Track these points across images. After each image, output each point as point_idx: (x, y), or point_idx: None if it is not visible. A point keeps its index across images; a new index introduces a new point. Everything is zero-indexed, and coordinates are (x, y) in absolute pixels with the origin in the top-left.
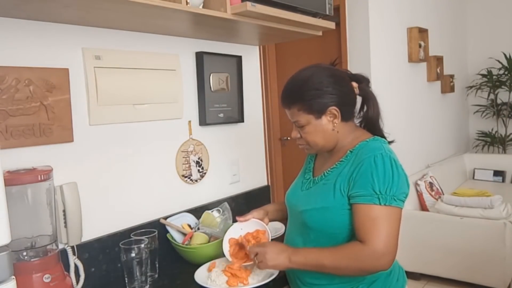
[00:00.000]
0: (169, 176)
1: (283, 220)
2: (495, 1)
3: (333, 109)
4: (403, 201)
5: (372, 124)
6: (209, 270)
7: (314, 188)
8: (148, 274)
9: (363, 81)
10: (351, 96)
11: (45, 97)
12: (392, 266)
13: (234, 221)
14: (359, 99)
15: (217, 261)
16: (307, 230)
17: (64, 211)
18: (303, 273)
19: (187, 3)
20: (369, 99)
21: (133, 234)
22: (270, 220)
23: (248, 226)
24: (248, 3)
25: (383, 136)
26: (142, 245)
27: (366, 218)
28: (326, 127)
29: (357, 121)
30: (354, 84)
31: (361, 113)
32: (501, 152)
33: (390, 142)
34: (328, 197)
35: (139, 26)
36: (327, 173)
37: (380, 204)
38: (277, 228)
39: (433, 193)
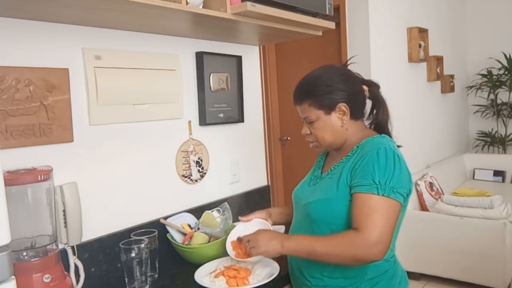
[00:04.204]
0: (169, 176)
1: (286, 224)
2: (495, 1)
3: (343, 106)
4: (403, 196)
5: (381, 128)
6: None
7: (320, 182)
8: (148, 274)
9: (373, 85)
10: (361, 95)
11: (45, 97)
12: (395, 268)
13: (234, 221)
14: (369, 103)
15: (217, 261)
16: (311, 223)
17: (64, 211)
18: (309, 268)
19: (187, 3)
20: (379, 103)
21: (133, 234)
22: (273, 223)
23: (251, 226)
24: (248, 3)
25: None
26: (142, 245)
27: (363, 207)
28: (335, 123)
29: (367, 122)
30: (365, 87)
31: (371, 116)
32: (501, 152)
33: (398, 147)
34: (332, 189)
35: (139, 26)
36: (333, 168)
37: (378, 194)
38: (277, 228)
39: (433, 193)
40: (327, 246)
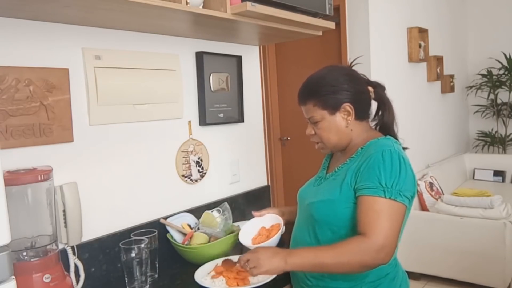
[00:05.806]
0: (169, 176)
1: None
2: (495, 1)
3: (347, 106)
4: (409, 199)
5: (387, 129)
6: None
7: (324, 183)
8: (148, 274)
9: (379, 86)
10: (366, 96)
11: (45, 97)
12: (396, 270)
13: (234, 221)
14: (374, 104)
15: (217, 261)
16: (313, 223)
17: (64, 211)
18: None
19: (187, 3)
20: (385, 104)
21: (133, 234)
22: (285, 221)
23: (264, 221)
24: (248, 3)
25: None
26: (142, 245)
27: (369, 210)
28: (340, 124)
29: (372, 123)
30: (370, 89)
31: (376, 117)
32: (501, 152)
33: (403, 149)
34: (335, 191)
35: (139, 26)
36: (338, 169)
37: (385, 197)
38: None
39: (433, 193)
40: (334, 255)
